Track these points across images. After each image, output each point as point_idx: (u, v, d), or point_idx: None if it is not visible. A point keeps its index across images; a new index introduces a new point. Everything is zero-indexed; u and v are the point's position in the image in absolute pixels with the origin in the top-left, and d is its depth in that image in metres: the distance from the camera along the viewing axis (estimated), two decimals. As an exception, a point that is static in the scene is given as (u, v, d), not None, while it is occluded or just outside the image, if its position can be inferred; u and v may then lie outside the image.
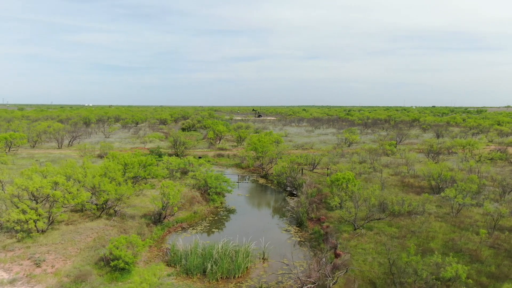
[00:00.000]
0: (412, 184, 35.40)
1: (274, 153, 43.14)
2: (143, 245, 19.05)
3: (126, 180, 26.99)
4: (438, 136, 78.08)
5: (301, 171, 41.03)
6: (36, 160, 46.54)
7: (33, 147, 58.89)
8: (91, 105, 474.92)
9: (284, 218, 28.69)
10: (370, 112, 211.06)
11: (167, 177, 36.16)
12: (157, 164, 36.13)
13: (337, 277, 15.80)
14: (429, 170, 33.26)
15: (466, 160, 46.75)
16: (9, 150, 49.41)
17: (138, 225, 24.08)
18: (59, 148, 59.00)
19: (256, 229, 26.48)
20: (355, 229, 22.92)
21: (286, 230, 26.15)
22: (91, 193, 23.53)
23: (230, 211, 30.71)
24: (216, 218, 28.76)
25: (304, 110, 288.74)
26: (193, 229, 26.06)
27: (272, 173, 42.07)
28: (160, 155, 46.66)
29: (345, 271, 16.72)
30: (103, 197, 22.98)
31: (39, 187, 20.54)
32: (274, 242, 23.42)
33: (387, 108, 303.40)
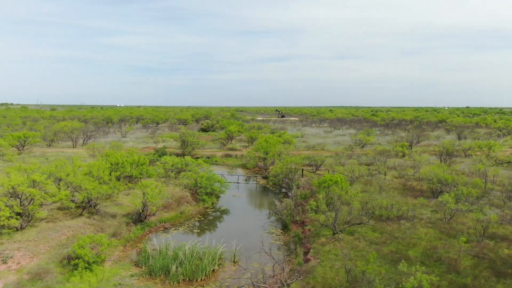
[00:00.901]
0: (414, 188, 33.83)
1: (275, 154, 42.38)
2: (108, 244, 18.99)
3: (111, 179, 27.08)
4: (459, 138, 74.75)
5: (301, 172, 40.18)
6: (46, 159, 47.95)
7: (49, 146, 60.81)
8: (122, 105, 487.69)
9: (271, 220, 28.03)
10: (397, 113, 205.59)
11: (163, 177, 36.31)
12: (154, 164, 36.29)
13: (289, 284, 15.07)
14: (429, 173, 31.62)
15: (481, 162, 44.34)
16: (22, 149, 51.15)
17: (117, 224, 24.14)
18: (73, 147, 60.65)
19: (239, 230, 26.04)
20: (334, 234, 22.00)
21: (269, 233, 25.53)
22: (71, 192, 23.74)
23: (220, 212, 30.38)
24: (202, 219, 28.48)
25: (330, 110, 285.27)
26: (175, 229, 25.90)
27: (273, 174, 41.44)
28: (162, 155, 46.87)
29: (300, 277, 15.95)
30: (82, 195, 23.13)
31: (15, 185, 20.88)
32: (252, 245, 22.95)
33: (416, 109, 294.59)
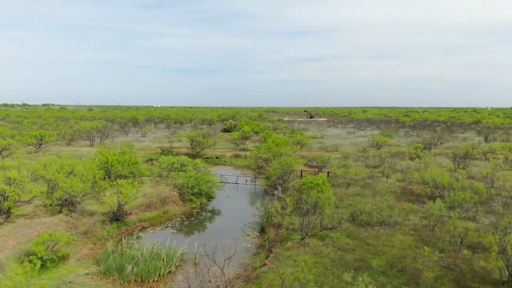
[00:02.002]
0: (413, 192, 32.03)
1: (276, 154, 41.60)
2: (66, 242, 19.15)
3: (95, 178, 27.46)
4: (486, 140, 70.48)
5: (300, 173, 39.21)
6: (59, 157, 49.67)
7: (68, 144, 63.09)
8: (158, 106, 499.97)
9: (252, 222, 27.39)
10: (432, 114, 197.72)
11: (158, 176, 36.52)
12: (152, 164, 36.56)
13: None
14: (423, 176, 29.80)
15: (498, 166, 41.42)
16: (39, 147, 53.33)
17: (92, 222, 24.41)
18: (91, 146, 62.60)
19: (216, 232, 25.65)
20: (302, 238, 21.10)
21: (245, 235, 24.94)
22: (49, 189, 24.25)
23: (205, 213, 30.11)
24: (184, 219, 28.32)
25: (364, 111, 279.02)
26: (152, 229, 25.88)
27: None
28: (168, 154, 47.26)
29: (243, 283, 15.29)
30: (58, 192, 23.57)
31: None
32: (223, 247, 22.46)
33: (455, 109, 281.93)
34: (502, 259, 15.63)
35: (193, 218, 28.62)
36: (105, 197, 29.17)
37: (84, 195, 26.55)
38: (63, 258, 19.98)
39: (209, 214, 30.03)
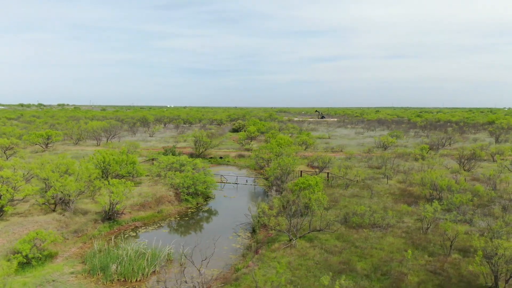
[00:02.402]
0: (412, 193, 31.42)
1: (276, 154, 41.34)
2: (52, 240, 19.30)
3: (91, 177, 27.65)
4: (497, 141, 68.85)
5: (300, 173, 38.88)
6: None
7: (76, 144, 63.94)
8: (172, 106, 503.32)
9: (245, 223, 27.22)
10: (446, 114, 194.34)
11: (157, 176, 36.64)
12: (153, 164, 36.70)
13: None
14: (422, 178, 29.18)
15: (506, 168, 40.35)
16: (46, 146, 54.15)
17: (84, 221, 24.59)
18: (97, 145, 63.32)
19: (207, 232, 25.65)
20: (290, 240, 20.84)
21: (236, 236, 24.80)
22: (42, 188, 24.51)
23: (200, 213, 30.08)
24: (178, 219, 28.32)
25: (377, 111, 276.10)
26: (144, 228, 25.95)
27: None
28: (167, 154, 47.40)
29: (221, 285, 15.15)
30: (50, 191, 23.81)
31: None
32: (211, 247, 22.38)
33: (470, 110, 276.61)
34: (488, 264, 15.13)
35: (187, 218, 28.61)
36: (100, 196, 29.40)
37: (79, 194, 26.77)
38: (51, 256, 20.16)
39: (204, 214, 30.00)
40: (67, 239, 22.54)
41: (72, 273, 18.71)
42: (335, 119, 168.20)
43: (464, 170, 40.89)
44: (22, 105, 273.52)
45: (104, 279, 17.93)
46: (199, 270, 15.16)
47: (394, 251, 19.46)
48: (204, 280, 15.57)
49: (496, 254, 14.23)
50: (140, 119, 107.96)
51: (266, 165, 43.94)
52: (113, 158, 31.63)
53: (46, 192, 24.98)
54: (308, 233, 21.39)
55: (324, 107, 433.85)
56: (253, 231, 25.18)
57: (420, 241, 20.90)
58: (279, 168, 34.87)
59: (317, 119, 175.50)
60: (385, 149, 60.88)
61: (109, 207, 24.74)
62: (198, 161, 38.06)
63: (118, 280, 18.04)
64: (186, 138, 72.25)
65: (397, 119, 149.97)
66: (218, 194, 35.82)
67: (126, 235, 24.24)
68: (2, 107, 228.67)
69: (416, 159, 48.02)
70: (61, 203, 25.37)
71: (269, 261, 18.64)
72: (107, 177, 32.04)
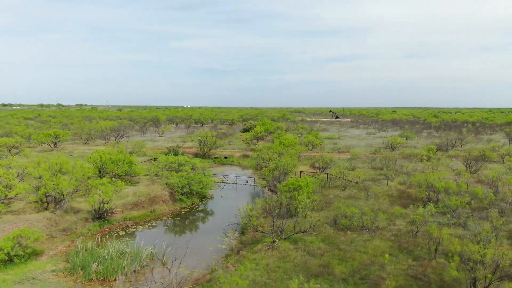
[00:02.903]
0: (411, 195, 30.66)
1: (271, 154, 41.03)
2: (35, 238, 19.52)
3: (84, 176, 27.95)
4: (511, 141, 66.78)
5: (299, 174, 38.46)
6: (71, 155, 51.22)
7: (85, 143, 64.99)
8: (188, 106, 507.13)
9: (235, 223, 27.04)
10: (464, 114, 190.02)
11: (155, 175, 36.79)
12: (151, 163, 36.88)
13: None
14: (419, 179, 28.41)
15: (511, 169, 39.06)
16: (54, 146, 55.17)
17: (75, 220, 24.83)
18: (105, 145, 64.18)
19: (196, 232, 25.62)
20: (273, 241, 20.54)
21: (225, 236, 24.64)
22: (34, 186, 24.87)
23: (194, 213, 30.04)
24: (170, 218, 28.34)
25: (393, 111, 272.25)
26: (135, 227, 26.05)
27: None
28: (175, 154, 47.58)
29: (193, 286, 15.01)
30: (41, 190, 24.15)
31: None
32: (197, 248, 22.39)
33: (490, 110, 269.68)
34: (467, 270, 14.54)
35: (179, 218, 28.60)
36: (90, 195, 29.67)
37: (72, 193, 27.09)
38: (36, 254, 20.41)
39: (197, 214, 29.94)
40: (55, 237, 22.81)
41: (53, 271, 18.87)
42: (349, 120, 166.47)
43: (470, 172, 39.75)
44: (42, 105, 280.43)
45: (83, 277, 18.01)
46: (169, 270, 15.05)
47: (378, 255, 18.94)
48: (175, 281, 15.43)
49: (471, 259, 13.63)
50: (152, 119, 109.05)
51: (267, 165, 43.66)
52: (110, 158, 31.89)
53: (38, 190, 25.31)
54: (293, 234, 21.07)
55: (341, 107, 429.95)
56: (242, 232, 24.98)
57: (407, 244, 20.30)
58: (277, 169, 34.57)
59: (331, 119, 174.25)
60: (393, 150, 59.80)
61: (98, 206, 24.91)
62: (197, 161, 38.08)
63: (97, 279, 18.09)
64: (193, 138, 72.51)
65: (412, 120, 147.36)
66: (216, 194, 35.78)
67: (115, 234, 24.38)
68: (23, 108, 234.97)
69: (422, 160, 46.94)
70: (53, 202, 25.69)
71: (248, 262, 18.38)
72: (103, 177, 32.39)
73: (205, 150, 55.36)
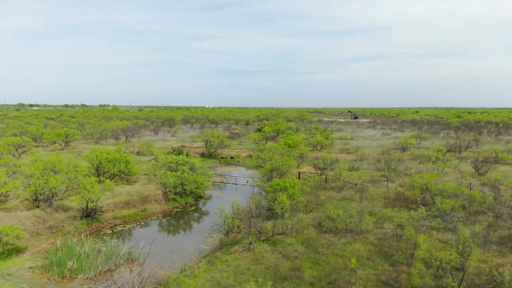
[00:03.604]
0: (408, 198, 29.68)
1: (276, 155, 40.60)
2: (15, 236, 19.88)
3: (77, 175, 28.36)
4: (530, 143, 63.83)
5: (298, 175, 37.94)
6: (79, 154, 52.32)
7: (97, 143, 66.28)
8: (210, 106, 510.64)
9: (221, 224, 26.80)
10: (490, 114, 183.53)
11: (154, 175, 37.02)
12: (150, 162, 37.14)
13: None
14: (413, 181, 27.42)
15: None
16: (64, 145, 56.49)
17: (64, 218, 25.21)
18: (116, 145, 65.28)
19: (182, 231, 25.60)
20: (250, 243, 20.22)
21: (209, 237, 24.47)
22: (23, 184, 25.41)
23: (185, 213, 30.01)
24: (160, 218, 28.39)
25: (416, 111, 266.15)
26: (122, 226, 26.21)
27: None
28: (179, 154, 47.83)
29: (154, 286, 14.90)
30: (31, 188, 24.64)
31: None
32: (180, 248, 22.37)
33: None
34: (432, 278, 13.83)
35: (169, 218, 28.62)
36: (77, 194, 30.06)
37: (65, 191, 27.57)
38: (18, 251, 20.81)
39: (188, 214, 29.88)
40: (41, 234, 23.20)
41: (30, 268, 19.15)
42: (367, 120, 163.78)
43: (478, 174, 38.21)
44: (66, 105, 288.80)
45: (57, 275, 18.19)
46: (130, 270, 14.98)
47: (354, 259, 18.33)
48: (137, 281, 15.35)
49: (432, 266, 12.94)
50: (167, 119, 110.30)
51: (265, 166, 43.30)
52: (106, 157, 32.29)
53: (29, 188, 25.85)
54: (271, 236, 20.69)
55: (363, 107, 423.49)
56: (227, 232, 24.74)
57: (389, 248, 19.60)
58: (273, 169, 34.17)
59: (349, 119, 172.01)
60: (404, 151, 58.27)
61: (85, 205, 25.21)
62: (196, 161, 38.11)
63: (70, 276, 18.25)
64: (202, 138, 72.81)
65: (433, 120, 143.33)
66: (214, 194, 35.70)
67: (101, 233, 24.61)
68: (48, 108, 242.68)
69: (432, 162, 45.48)
70: (46, 200, 26.17)
71: (219, 264, 18.16)
72: (100, 175, 32.84)
73: (211, 150, 55.40)
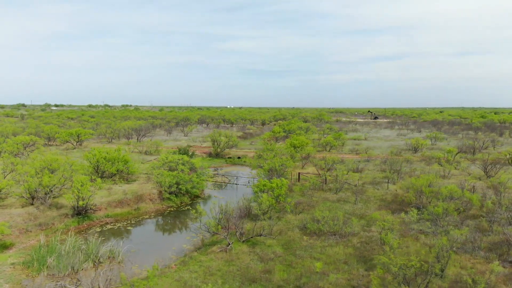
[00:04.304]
0: (404, 201, 28.72)
1: (276, 155, 40.23)
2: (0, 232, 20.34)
3: (71, 174, 28.86)
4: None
5: (298, 175, 37.46)
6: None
7: (109, 142, 67.54)
8: (232, 106, 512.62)
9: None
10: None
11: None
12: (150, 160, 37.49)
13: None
14: (407, 184, 26.53)
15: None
16: (76, 144, 57.82)
17: (55, 215, 25.67)
18: (128, 144, 66.33)
19: (169, 231, 25.64)
20: (228, 244, 20.00)
21: (196, 236, 24.37)
22: (16, 182, 26.02)
23: (179, 212, 30.07)
24: (153, 217, 28.54)
25: (441, 111, 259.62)
26: (113, 224, 26.48)
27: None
28: (184, 153, 48.09)
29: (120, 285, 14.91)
30: (23, 186, 25.22)
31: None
32: (163, 247, 22.41)
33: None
34: (396, 285, 13.24)
35: (161, 217, 28.76)
36: (69, 193, 30.53)
37: (60, 189, 28.09)
38: (5, 247, 21.30)
39: (180, 213, 29.91)
40: (30, 231, 23.68)
41: (12, 264, 19.54)
42: (386, 120, 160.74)
43: (487, 177, 36.72)
44: (90, 106, 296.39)
45: (35, 271, 18.49)
46: (96, 268, 15.02)
47: (330, 262, 17.85)
48: (102, 280, 15.38)
49: (393, 272, 12.37)
50: (182, 119, 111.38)
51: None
52: (104, 156, 32.75)
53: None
54: (251, 237, 20.41)
55: (387, 107, 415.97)
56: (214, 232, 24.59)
57: (370, 253, 18.98)
58: (271, 170, 33.85)
59: (369, 119, 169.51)
60: (416, 151, 56.75)
61: (76, 203, 25.60)
62: (196, 160, 38.16)
63: (49, 274, 18.50)
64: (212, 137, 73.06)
65: (454, 120, 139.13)
66: (214, 194, 35.70)
67: (90, 231, 24.92)
68: (73, 108, 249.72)
69: (438, 163, 44.05)
70: (38, 197, 26.75)
71: (192, 264, 18.04)
72: (99, 174, 33.34)
73: (218, 149, 55.47)
